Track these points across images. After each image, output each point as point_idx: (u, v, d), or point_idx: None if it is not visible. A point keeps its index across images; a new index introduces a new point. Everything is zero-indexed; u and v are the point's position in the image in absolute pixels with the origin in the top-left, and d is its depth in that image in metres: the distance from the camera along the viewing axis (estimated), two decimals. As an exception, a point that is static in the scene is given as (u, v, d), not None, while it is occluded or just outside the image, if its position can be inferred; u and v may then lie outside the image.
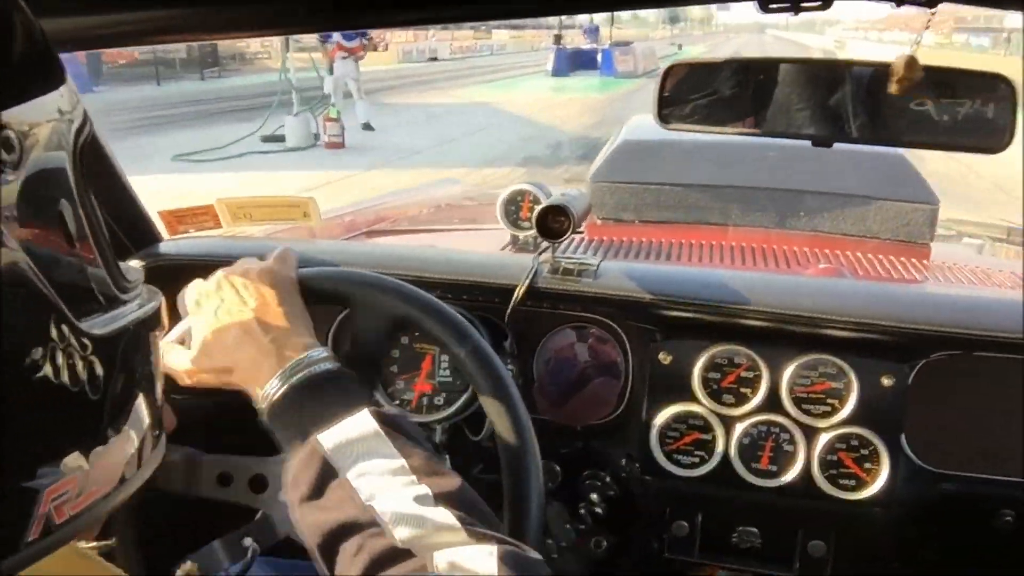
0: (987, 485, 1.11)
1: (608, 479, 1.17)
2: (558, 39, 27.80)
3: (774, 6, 0.71)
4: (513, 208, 1.44)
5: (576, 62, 24.93)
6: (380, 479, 0.63)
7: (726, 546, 1.18)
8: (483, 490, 0.87)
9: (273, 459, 0.90)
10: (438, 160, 9.59)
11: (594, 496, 1.18)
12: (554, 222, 1.15)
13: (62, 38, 0.62)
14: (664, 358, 1.13)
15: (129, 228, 1.27)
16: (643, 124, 2.33)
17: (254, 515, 0.91)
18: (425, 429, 1.08)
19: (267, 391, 0.74)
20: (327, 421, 0.68)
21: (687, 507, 1.18)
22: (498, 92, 18.72)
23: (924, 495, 1.11)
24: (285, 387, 0.73)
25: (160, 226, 1.36)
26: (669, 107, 1.10)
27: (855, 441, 1.09)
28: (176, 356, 0.83)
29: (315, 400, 0.71)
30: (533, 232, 1.20)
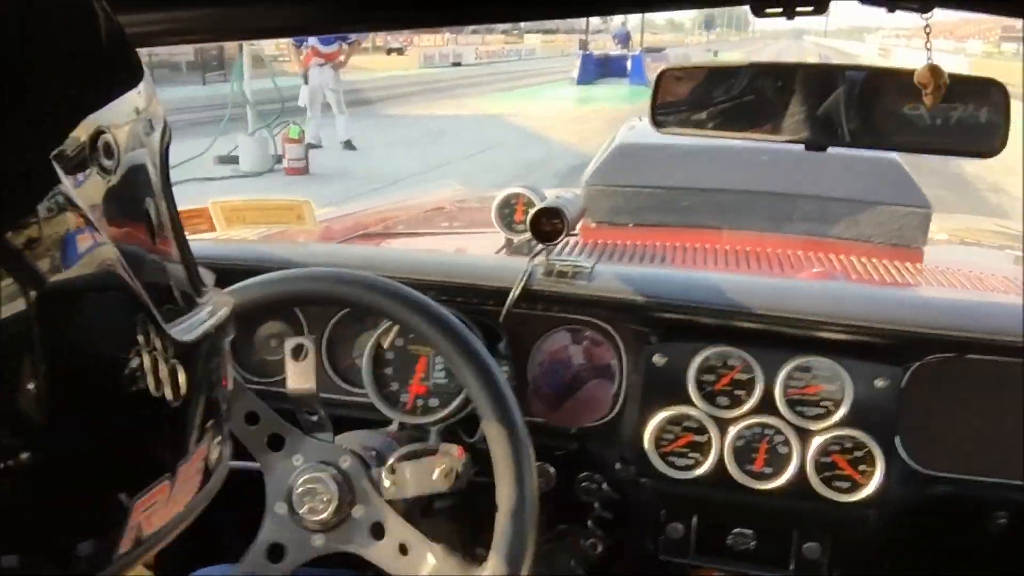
0: (981, 487, 1.11)
1: (603, 481, 1.17)
2: (584, 44, 26.22)
3: (768, 11, 0.72)
4: (507, 211, 1.44)
5: (604, 69, 23.17)
6: None
7: (721, 548, 1.18)
8: (479, 492, 0.87)
9: (297, 432, 0.91)
10: (419, 191, 8.25)
11: (589, 498, 1.18)
12: (548, 225, 1.16)
13: None
14: (658, 360, 1.14)
15: None
16: (638, 128, 2.34)
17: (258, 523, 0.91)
18: (419, 431, 1.09)
19: None
20: None
21: (682, 509, 1.18)
22: (516, 102, 17.04)
23: (918, 497, 1.12)
24: None
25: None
26: (664, 111, 1.10)
27: (849, 443, 1.09)
28: None
29: None
30: (527, 235, 1.20)
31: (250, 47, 9.17)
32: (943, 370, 1.10)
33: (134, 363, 0.34)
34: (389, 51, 29.94)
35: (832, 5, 0.72)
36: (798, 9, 0.71)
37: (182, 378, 0.37)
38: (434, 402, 1.15)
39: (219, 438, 0.43)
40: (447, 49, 30.85)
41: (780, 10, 0.71)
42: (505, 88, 20.75)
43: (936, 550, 1.20)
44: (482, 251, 1.53)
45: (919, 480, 1.11)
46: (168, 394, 0.36)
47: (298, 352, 0.92)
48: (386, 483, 0.87)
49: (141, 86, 0.38)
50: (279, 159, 8.77)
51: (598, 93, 19.76)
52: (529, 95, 19.28)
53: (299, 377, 0.92)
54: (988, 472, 1.11)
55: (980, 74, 1.05)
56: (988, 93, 0.99)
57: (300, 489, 0.88)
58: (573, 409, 1.20)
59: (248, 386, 1.25)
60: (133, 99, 0.37)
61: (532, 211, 1.18)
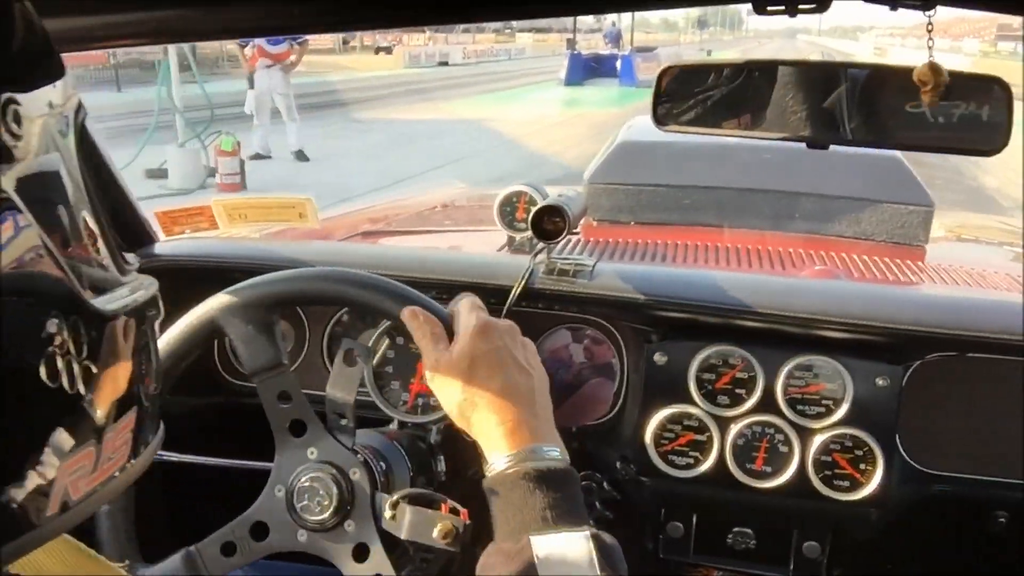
0: (981, 486, 1.11)
1: (603, 480, 1.17)
2: (571, 43, 25.13)
3: (771, 8, 0.71)
4: (509, 209, 1.44)
5: (593, 69, 22.04)
6: None
7: (721, 547, 1.18)
8: (476, 493, 0.87)
9: (321, 428, 0.91)
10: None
11: (589, 497, 1.18)
12: (549, 223, 1.16)
13: (63, 38, 0.61)
14: (659, 359, 1.13)
15: (124, 228, 1.27)
16: (640, 126, 2.33)
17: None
18: (420, 430, 1.09)
19: (496, 462, 0.73)
20: (547, 524, 0.67)
21: (682, 508, 1.18)
22: (498, 105, 16.11)
23: (918, 496, 1.12)
24: (517, 467, 0.71)
25: (156, 226, 1.36)
26: (665, 109, 1.10)
27: (850, 442, 1.09)
28: (432, 352, 0.81)
29: (542, 496, 0.70)
30: (529, 233, 1.20)
31: (178, 48, 7.96)
32: (944, 369, 1.10)
33: (53, 330, 0.35)
34: (378, 50, 28.67)
35: (834, 3, 0.71)
36: (800, 6, 0.71)
37: (106, 348, 0.39)
38: (435, 401, 1.15)
39: (148, 412, 0.44)
40: (433, 48, 29.61)
41: (782, 7, 0.71)
42: (489, 89, 19.80)
43: (936, 549, 1.20)
44: (483, 249, 1.53)
45: (919, 479, 1.11)
46: (95, 363, 0.38)
47: (350, 358, 0.92)
48: (386, 514, 0.87)
49: (59, 84, 0.40)
50: (214, 172, 7.89)
51: (585, 95, 18.82)
52: (513, 97, 18.32)
53: (343, 384, 0.91)
54: (989, 471, 1.11)
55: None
56: (991, 90, 0.98)
57: (304, 483, 0.88)
58: (574, 408, 1.20)
59: (249, 384, 1.25)
60: (48, 93, 0.39)
61: (534, 209, 1.17)
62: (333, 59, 25.97)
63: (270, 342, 0.92)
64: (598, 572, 0.64)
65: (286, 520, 0.89)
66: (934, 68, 0.84)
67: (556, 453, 0.74)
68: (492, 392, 0.76)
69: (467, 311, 0.83)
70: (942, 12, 0.72)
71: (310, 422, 0.90)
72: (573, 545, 0.65)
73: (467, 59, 30.50)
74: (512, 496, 0.71)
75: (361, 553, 0.87)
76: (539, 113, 14.83)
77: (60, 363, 0.36)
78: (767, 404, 1.11)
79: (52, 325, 0.35)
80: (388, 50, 28.59)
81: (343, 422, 0.91)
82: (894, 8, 0.74)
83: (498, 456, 0.73)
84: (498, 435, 0.74)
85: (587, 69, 21.94)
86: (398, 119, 13.39)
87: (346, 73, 21.92)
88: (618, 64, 21.03)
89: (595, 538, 0.66)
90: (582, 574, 0.64)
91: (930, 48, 0.86)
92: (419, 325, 0.84)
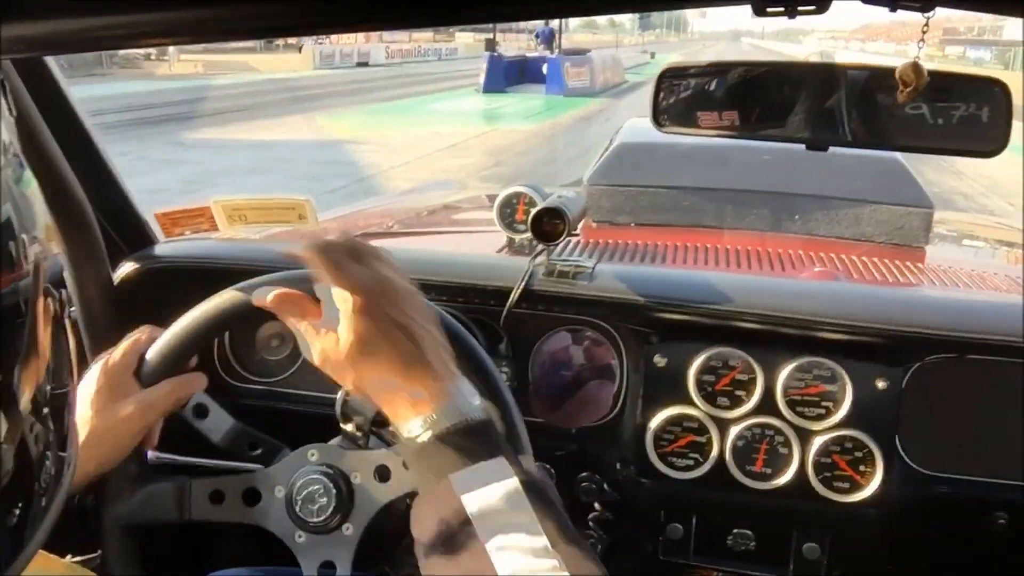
0: (981, 487, 1.11)
1: (603, 482, 1.17)
2: (491, 44, 21.37)
3: (770, 10, 0.71)
4: (509, 211, 1.44)
5: (519, 74, 19.40)
6: (522, 559, 0.61)
7: (721, 548, 1.18)
8: None
9: (263, 471, 0.91)
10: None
11: (589, 498, 1.18)
12: (549, 225, 1.16)
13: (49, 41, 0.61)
14: (659, 361, 1.13)
15: (123, 229, 1.27)
16: (640, 127, 2.34)
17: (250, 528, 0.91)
18: None
19: (412, 430, 0.69)
20: (473, 480, 0.65)
21: (682, 509, 1.18)
22: (389, 118, 13.44)
23: (918, 497, 1.12)
24: (432, 432, 0.68)
25: (156, 228, 1.35)
26: (665, 110, 1.10)
27: (849, 444, 1.09)
28: (317, 341, 0.76)
29: (463, 452, 0.67)
30: (529, 235, 1.20)
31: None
32: (943, 370, 1.10)
33: None
34: (301, 48, 25.44)
35: (834, 4, 0.71)
36: (799, 8, 0.71)
37: None
38: None
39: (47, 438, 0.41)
40: (351, 48, 25.84)
41: (782, 9, 0.71)
42: (391, 97, 17.05)
43: (936, 550, 1.19)
44: (483, 251, 1.53)
45: (919, 480, 1.11)
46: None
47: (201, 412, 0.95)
48: (381, 487, 0.87)
49: None
50: None
51: (502, 106, 16.09)
52: (412, 108, 15.47)
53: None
54: (988, 472, 1.11)
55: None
56: (990, 92, 0.98)
57: (304, 484, 0.88)
58: (573, 409, 1.20)
59: (249, 386, 1.25)
60: None
61: (533, 211, 1.17)
62: (242, 59, 22.83)
63: None
64: (533, 515, 0.63)
65: (291, 528, 0.89)
66: (917, 69, 0.84)
67: (465, 400, 0.71)
68: (389, 369, 0.71)
69: (336, 278, 0.74)
70: (883, 16, 0.73)
71: (257, 482, 0.90)
72: (503, 494, 0.64)
73: (391, 59, 27.21)
74: (430, 461, 0.68)
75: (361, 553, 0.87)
76: (433, 131, 11.93)
77: None
78: (767, 406, 1.11)
79: None
80: (299, 49, 25.11)
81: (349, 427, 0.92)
82: (893, 9, 0.74)
83: (402, 425, 0.70)
84: (395, 406, 0.71)
85: (509, 74, 19.24)
86: (237, 141, 10.43)
87: (239, 76, 19.33)
88: (545, 69, 18.52)
89: (524, 482, 0.65)
90: (518, 523, 0.62)
91: (920, 47, 0.86)
92: (287, 310, 0.78)
